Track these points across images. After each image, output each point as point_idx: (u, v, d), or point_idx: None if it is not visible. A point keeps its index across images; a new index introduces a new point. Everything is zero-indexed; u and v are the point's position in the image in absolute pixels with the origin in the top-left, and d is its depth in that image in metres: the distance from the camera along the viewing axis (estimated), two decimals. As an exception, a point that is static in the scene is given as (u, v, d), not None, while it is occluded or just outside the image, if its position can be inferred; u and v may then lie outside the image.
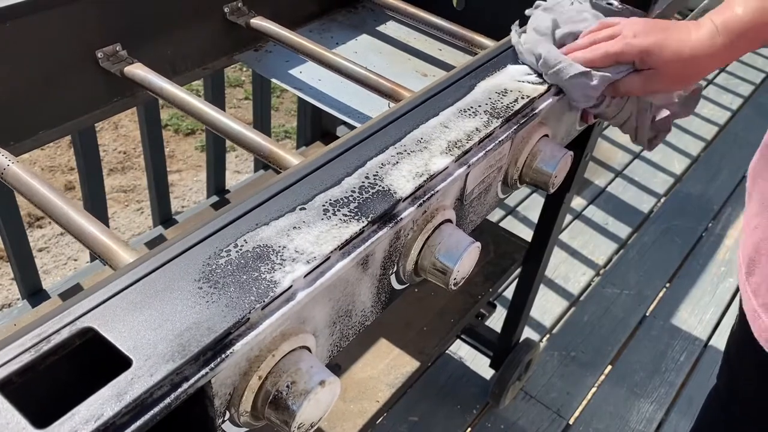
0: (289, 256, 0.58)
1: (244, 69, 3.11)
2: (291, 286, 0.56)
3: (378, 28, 1.29)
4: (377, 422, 1.31)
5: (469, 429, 1.80)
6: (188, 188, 2.56)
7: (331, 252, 0.60)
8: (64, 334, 0.49)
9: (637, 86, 0.87)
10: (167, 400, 0.47)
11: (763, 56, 3.57)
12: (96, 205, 1.49)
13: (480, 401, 1.85)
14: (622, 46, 0.85)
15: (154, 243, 1.55)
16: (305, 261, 0.58)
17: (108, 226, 1.64)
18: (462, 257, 0.72)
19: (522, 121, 0.82)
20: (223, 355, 0.51)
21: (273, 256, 0.58)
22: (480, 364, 1.91)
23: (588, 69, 0.86)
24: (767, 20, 0.81)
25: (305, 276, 0.58)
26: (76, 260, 2.26)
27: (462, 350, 1.95)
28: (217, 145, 1.74)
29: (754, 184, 0.93)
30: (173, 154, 2.68)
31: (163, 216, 1.71)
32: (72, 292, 1.37)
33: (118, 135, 2.74)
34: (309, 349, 0.61)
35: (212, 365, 0.50)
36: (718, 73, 3.39)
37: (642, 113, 0.95)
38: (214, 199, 1.82)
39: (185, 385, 0.48)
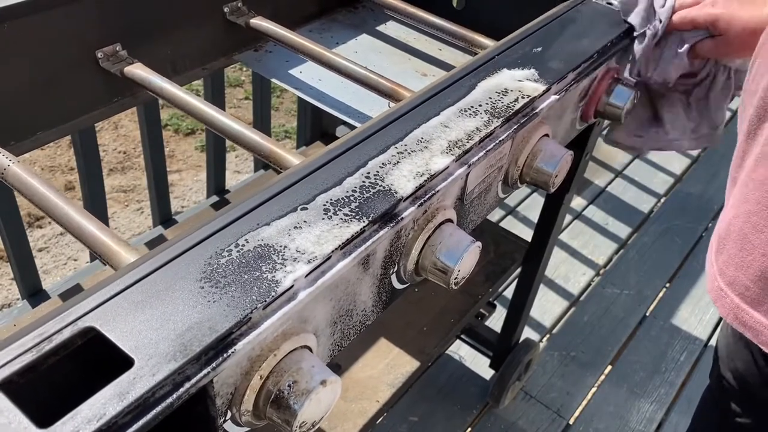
0: (290, 256, 0.58)
1: (244, 69, 3.11)
2: (292, 286, 0.56)
3: (378, 28, 1.29)
4: (377, 422, 1.31)
5: (469, 429, 1.80)
6: (188, 188, 2.56)
7: (332, 251, 0.60)
8: (66, 333, 0.49)
9: (708, 49, 0.97)
10: (169, 400, 0.47)
11: (762, 56, 3.57)
12: (96, 205, 1.49)
13: (480, 401, 1.85)
14: (698, 12, 0.95)
15: (154, 243, 1.55)
16: (306, 260, 0.58)
17: (108, 226, 1.64)
18: (463, 257, 0.72)
19: (522, 120, 0.82)
20: (225, 355, 0.51)
21: (274, 256, 0.58)
22: (480, 364, 1.91)
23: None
24: None
25: (306, 275, 0.58)
26: (76, 260, 2.26)
27: (462, 350, 1.95)
28: (217, 145, 1.74)
29: (737, 167, 0.95)
30: (173, 154, 2.68)
31: (163, 216, 1.71)
32: (72, 293, 1.37)
33: (118, 135, 2.74)
34: (310, 349, 0.61)
35: (214, 365, 0.50)
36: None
37: (719, 76, 1.05)
38: (214, 199, 1.82)
39: (187, 385, 0.48)
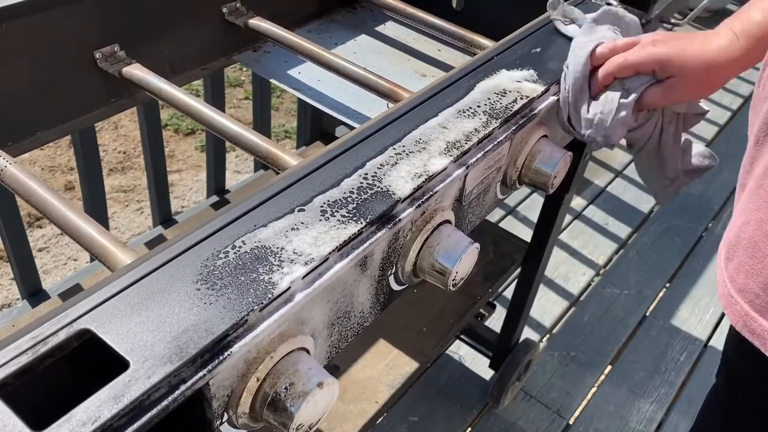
0: (287, 258, 0.58)
1: (244, 69, 3.11)
2: (289, 288, 0.56)
3: (377, 29, 1.29)
4: (377, 422, 1.31)
5: (469, 429, 1.80)
6: (188, 188, 2.56)
7: (330, 253, 0.60)
8: (62, 336, 0.49)
9: (658, 97, 0.85)
10: (165, 402, 0.47)
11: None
12: (96, 205, 1.49)
13: (480, 401, 1.85)
14: (642, 54, 0.83)
15: (154, 243, 1.55)
16: (303, 262, 0.58)
17: (108, 226, 1.64)
18: (461, 258, 0.72)
19: (521, 121, 0.81)
20: (221, 357, 0.51)
21: (271, 258, 0.58)
22: (480, 364, 1.91)
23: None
24: None
25: (303, 277, 0.58)
26: (76, 260, 2.26)
27: (462, 350, 1.95)
28: (217, 145, 1.74)
29: (746, 173, 0.92)
30: (173, 154, 2.68)
31: (163, 216, 1.71)
32: (72, 292, 1.37)
33: (118, 135, 2.74)
34: (307, 351, 0.61)
35: (210, 367, 0.50)
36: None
37: (667, 126, 0.93)
38: (214, 199, 1.82)
39: (183, 387, 0.48)
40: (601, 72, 0.86)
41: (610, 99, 0.85)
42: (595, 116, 0.86)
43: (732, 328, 1.01)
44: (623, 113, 0.85)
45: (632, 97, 0.84)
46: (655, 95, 0.85)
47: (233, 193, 1.83)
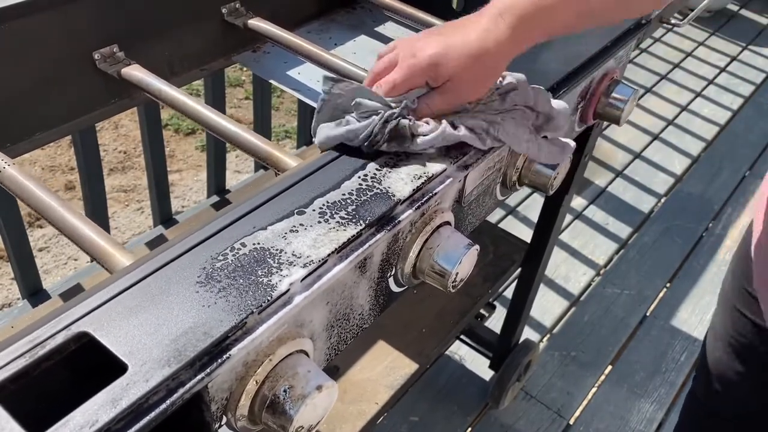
0: (286, 260, 0.58)
1: (245, 69, 3.11)
2: (288, 290, 0.56)
3: (377, 29, 1.28)
4: (377, 423, 1.31)
5: (470, 429, 1.80)
6: (188, 188, 2.56)
7: (329, 255, 0.60)
8: (59, 339, 0.49)
9: (438, 102, 0.75)
10: (163, 406, 0.47)
11: (763, 56, 3.57)
12: (96, 204, 1.49)
13: (480, 401, 1.85)
14: (406, 70, 0.74)
15: (154, 243, 1.54)
16: (302, 264, 0.58)
17: (108, 226, 1.64)
18: (461, 260, 0.71)
19: (521, 122, 0.81)
20: (220, 360, 0.50)
21: (270, 260, 0.58)
22: (480, 365, 1.91)
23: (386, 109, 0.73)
24: (549, 3, 0.73)
25: (302, 280, 0.58)
26: (76, 260, 2.26)
27: (462, 351, 1.95)
28: (217, 145, 1.74)
29: None
30: (173, 154, 2.68)
31: (164, 216, 1.71)
32: (72, 292, 1.37)
33: (119, 135, 2.74)
34: (306, 353, 0.61)
35: (208, 370, 0.50)
36: (719, 73, 3.38)
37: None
38: (215, 198, 1.82)
39: (181, 391, 0.48)
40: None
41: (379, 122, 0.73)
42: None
43: (712, 326, 1.04)
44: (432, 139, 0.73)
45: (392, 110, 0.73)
46: (434, 101, 0.75)
47: (234, 193, 1.82)
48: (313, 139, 0.77)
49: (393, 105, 0.73)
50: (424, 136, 0.72)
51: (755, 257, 1.00)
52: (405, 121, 0.72)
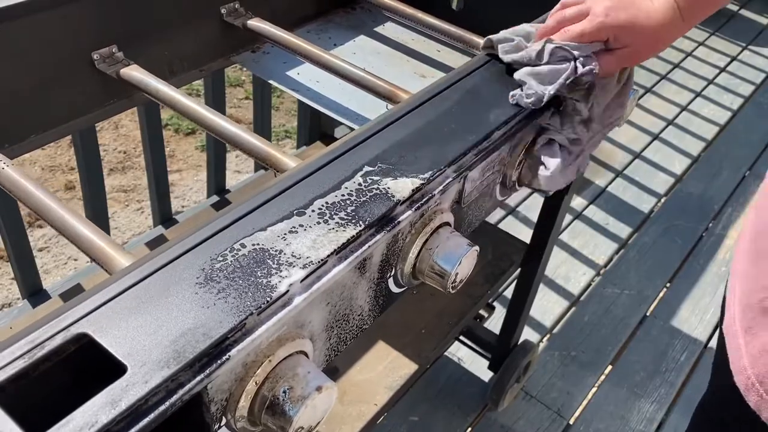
0: (285, 261, 0.58)
1: (245, 69, 3.11)
2: (288, 291, 0.56)
3: (376, 29, 1.28)
4: (377, 423, 1.31)
5: (469, 429, 1.80)
6: (188, 188, 2.56)
7: (328, 256, 0.60)
8: (58, 340, 0.49)
9: (613, 65, 0.86)
10: (162, 407, 0.47)
11: (763, 56, 3.56)
12: (96, 204, 1.49)
13: (480, 401, 1.85)
14: (599, 25, 0.83)
15: (154, 243, 1.55)
16: (302, 265, 0.58)
17: (108, 225, 1.64)
18: (460, 260, 0.71)
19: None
20: (219, 361, 0.50)
21: (269, 261, 0.58)
22: (480, 366, 1.91)
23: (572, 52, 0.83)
24: None
25: (302, 280, 0.57)
26: (76, 260, 2.26)
27: (461, 351, 1.95)
28: (217, 145, 1.74)
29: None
30: (173, 154, 2.68)
31: (164, 216, 1.71)
32: (73, 292, 1.37)
33: (119, 135, 2.74)
34: (306, 354, 0.61)
35: (208, 371, 0.50)
36: (719, 73, 3.38)
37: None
38: (215, 198, 1.82)
39: (180, 392, 0.48)
40: (555, 38, 0.85)
41: (562, 66, 0.83)
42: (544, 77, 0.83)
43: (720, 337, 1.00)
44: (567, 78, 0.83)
45: (590, 66, 0.83)
46: (609, 63, 0.85)
47: (233, 193, 1.83)
48: (501, 55, 0.87)
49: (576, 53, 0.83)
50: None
51: (728, 298, 0.94)
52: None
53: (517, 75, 0.84)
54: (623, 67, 0.89)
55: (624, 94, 0.93)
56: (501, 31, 0.89)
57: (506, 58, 0.86)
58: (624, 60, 0.87)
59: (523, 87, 0.82)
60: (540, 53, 0.83)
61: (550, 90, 0.81)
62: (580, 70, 0.82)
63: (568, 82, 0.82)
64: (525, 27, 0.90)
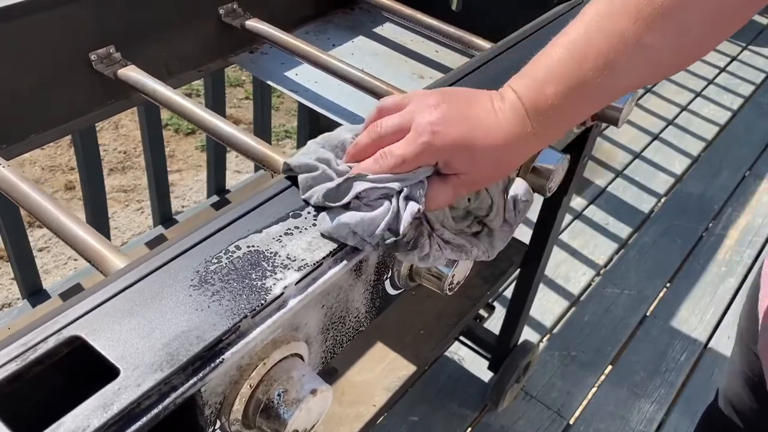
0: (280, 263, 0.58)
1: (243, 69, 3.11)
2: (282, 294, 0.56)
3: (375, 30, 1.28)
4: (377, 423, 1.31)
5: (469, 429, 1.80)
6: (188, 188, 2.56)
7: (324, 258, 0.59)
8: (51, 342, 0.49)
9: (448, 196, 0.66)
10: (155, 411, 0.47)
11: (763, 56, 3.56)
12: (96, 204, 1.49)
13: (480, 402, 1.84)
14: (422, 147, 0.63)
15: (154, 243, 1.55)
16: (297, 268, 0.58)
17: (108, 225, 1.64)
18: (457, 262, 0.71)
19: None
20: (213, 364, 0.50)
21: (264, 263, 0.58)
22: (480, 365, 1.91)
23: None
24: (583, 104, 0.65)
25: (297, 283, 0.57)
26: (76, 260, 2.26)
27: (461, 351, 1.95)
28: (217, 145, 1.74)
29: None
30: (173, 154, 2.68)
31: (164, 216, 1.71)
32: (72, 292, 1.37)
33: (119, 135, 2.74)
34: (301, 357, 0.61)
35: (201, 374, 0.49)
36: (719, 73, 3.38)
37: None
38: (215, 198, 1.82)
39: (173, 395, 0.48)
40: (370, 171, 0.64)
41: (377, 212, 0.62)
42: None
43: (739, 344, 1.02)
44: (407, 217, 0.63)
45: (416, 204, 0.63)
46: (441, 194, 0.65)
47: (233, 193, 1.82)
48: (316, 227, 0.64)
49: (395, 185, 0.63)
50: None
51: (763, 321, 0.96)
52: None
53: (320, 226, 0.63)
54: (462, 195, 0.68)
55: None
56: (307, 145, 0.68)
57: (306, 197, 0.65)
58: (460, 188, 0.66)
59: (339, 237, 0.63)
60: (339, 194, 0.64)
61: (370, 245, 0.63)
62: (403, 214, 0.63)
63: (387, 230, 0.62)
64: (339, 134, 0.69)
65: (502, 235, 0.73)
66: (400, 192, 0.63)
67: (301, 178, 0.66)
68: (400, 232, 0.62)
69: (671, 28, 0.60)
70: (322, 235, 0.62)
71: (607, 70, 0.61)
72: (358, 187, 0.63)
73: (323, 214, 0.63)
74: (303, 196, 0.65)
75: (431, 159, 0.64)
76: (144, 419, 0.46)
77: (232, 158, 2.62)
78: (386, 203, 0.63)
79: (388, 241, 0.62)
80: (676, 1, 0.59)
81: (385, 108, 0.68)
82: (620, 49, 0.61)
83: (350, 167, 0.65)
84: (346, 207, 0.63)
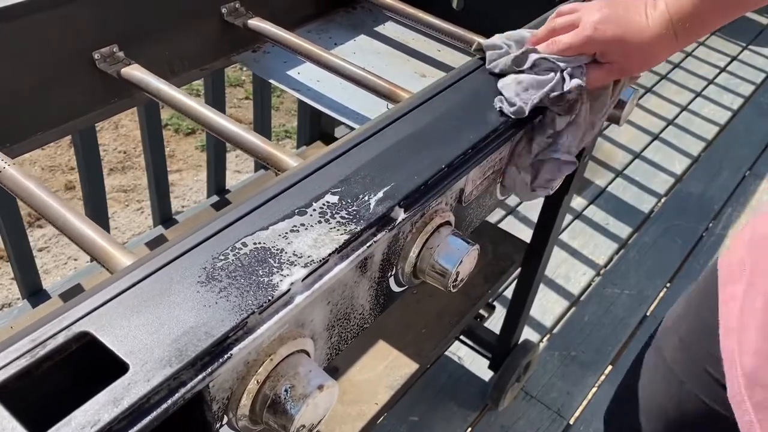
0: (287, 260, 0.58)
1: (245, 68, 3.11)
2: (289, 290, 0.56)
3: (376, 29, 1.28)
4: (377, 423, 1.31)
5: (470, 429, 1.80)
6: (188, 188, 2.56)
7: (330, 255, 0.60)
8: (60, 338, 0.49)
9: (601, 79, 0.84)
10: (164, 406, 0.47)
11: (763, 56, 3.57)
12: (96, 204, 1.49)
13: (480, 402, 1.85)
14: (585, 39, 0.81)
15: (154, 243, 1.55)
16: (303, 264, 0.58)
17: (108, 226, 1.64)
18: (461, 259, 0.72)
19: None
20: (221, 360, 0.50)
21: (271, 260, 0.58)
22: (480, 365, 1.91)
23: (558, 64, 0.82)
24: (718, 12, 0.81)
25: (303, 279, 0.57)
26: (76, 260, 2.26)
27: (462, 351, 1.95)
28: (217, 144, 1.74)
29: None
30: (173, 154, 2.68)
31: (164, 216, 1.71)
32: (72, 292, 1.37)
33: (119, 134, 2.74)
34: (307, 353, 0.61)
35: (210, 370, 0.50)
36: (719, 73, 3.38)
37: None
38: (215, 198, 1.82)
39: (182, 390, 0.48)
40: (542, 49, 0.84)
41: (546, 77, 0.81)
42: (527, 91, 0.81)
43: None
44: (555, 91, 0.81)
45: (574, 79, 0.81)
46: (597, 76, 0.83)
47: (233, 193, 1.82)
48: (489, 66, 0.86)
49: (562, 65, 0.81)
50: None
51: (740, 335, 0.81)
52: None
53: (500, 84, 0.83)
54: (613, 80, 0.86)
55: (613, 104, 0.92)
56: (494, 36, 0.87)
57: (491, 66, 0.85)
58: (613, 74, 0.84)
59: (507, 96, 0.81)
60: (520, 60, 0.83)
61: (533, 99, 0.79)
62: (567, 83, 0.80)
63: (552, 95, 0.80)
64: (521, 32, 0.88)
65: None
66: (564, 70, 0.81)
67: (489, 53, 0.85)
68: (565, 89, 0.80)
69: None
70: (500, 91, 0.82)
71: None
72: (534, 56, 0.82)
73: (505, 78, 0.82)
74: (488, 66, 0.85)
75: (591, 49, 0.82)
76: (154, 414, 0.46)
77: (232, 158, 2.62)
78: (552, 74, 0.81)
79: (552, 95, 0.80)
80: None
81: (563, 10, 0.87)
82: None
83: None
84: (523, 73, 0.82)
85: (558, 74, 0.81)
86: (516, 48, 0.85)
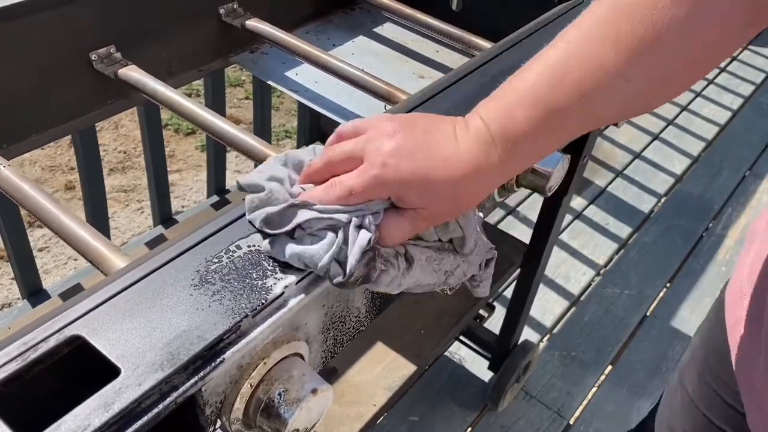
0: (281, 263, 0.58)
1: (244, 69, 3.11)
2: (283, 293, 0.56)
3: (375, 30, 1.28)
4: (377, 423, 1.31)
5: (469, 429, 1.80)
6: (188, 188, 2.56)
7: (324, 258, 0.59)
8: (52, 342, 0.49)
9: (404, 231, 0.60)
10: (156, 410, 0.47)
11: (763, 56, 3.56)
12: (96, 204, 1.49)
13: (480, 402, 1.84)
14: (371, 181, 0.57)
15: (154, 243, 1.55)
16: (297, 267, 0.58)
17: (108, 226, 1.64)
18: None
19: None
20: (214, 364, 0.50)
21: (265, 263, 0.58)
22: (480, 365, 1.91)
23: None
24: (555, 132, 0.59)
25: (297, 282, 0.57)
26: (76, 260, 2.26)
27: (462, 351, 1.95)
28: (217, 145, 1.74)
29: None
30: (173, 154, 2.68)
31: (164, 216, 1.71)
32: (72, 292, 1.37)
33: (119, 134, 2.74)
34: (302, 356, 0.61)
35: (202, 374, 0.50)
36: (719, 73, 3.38)
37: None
38: (215, 198, 1.82)
39: (174, 395, 0.48)
40: (317, 200, 0.59)
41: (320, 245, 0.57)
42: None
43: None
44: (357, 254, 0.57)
45: (368, 235, 0.58)
46: (396, 228, 0.60)
47: (234, 193, 1.83)
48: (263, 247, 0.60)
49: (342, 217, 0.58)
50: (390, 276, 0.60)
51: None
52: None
53: (264, 249, 0.60)
54: (418, 231, 0.62)
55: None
56: (262, 164, 0.64)
57: (251, 218, 0.61)
58: (418, 223, 0.60)
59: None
60: (283, 217, 0.59)
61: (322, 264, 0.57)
62: (351, 248, 0.57)
63: (333, 273, 0.57)
64: (298, 155, 0.65)
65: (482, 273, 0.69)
66: (349, 223, 0.58)
67: (247, 198, 0.61)
68: (347, 270, 0.56)
69: (653, 62, 0.55)
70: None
71: (583, 98, 0.56)
72: (302, 216, 0.58)
73: (267, 240, 0.59)
74: (248, 217, 0.61)
75: (382, 193, 0.59)
76: (145, 418, 0.46)
77: (232, 158, 2.62)
78: (331, 235, 0.57)
79: (334, 281, 0.57)
80: (657, 34, 0.54)
81: (343, 133, 0.63)
82: (599, 78, 0.56)
83: (303, 189, 0.61)
84: (291, 234, 0.58)
85: (340, 234, 0.57)
86: (288, 183, 0.62)
